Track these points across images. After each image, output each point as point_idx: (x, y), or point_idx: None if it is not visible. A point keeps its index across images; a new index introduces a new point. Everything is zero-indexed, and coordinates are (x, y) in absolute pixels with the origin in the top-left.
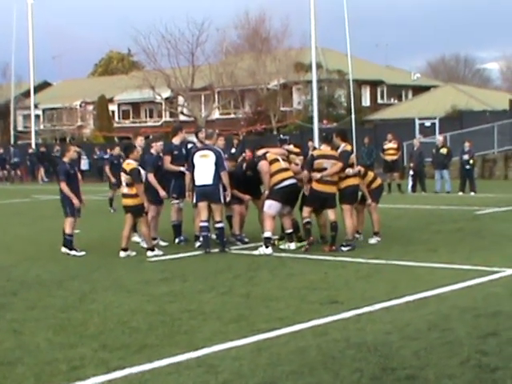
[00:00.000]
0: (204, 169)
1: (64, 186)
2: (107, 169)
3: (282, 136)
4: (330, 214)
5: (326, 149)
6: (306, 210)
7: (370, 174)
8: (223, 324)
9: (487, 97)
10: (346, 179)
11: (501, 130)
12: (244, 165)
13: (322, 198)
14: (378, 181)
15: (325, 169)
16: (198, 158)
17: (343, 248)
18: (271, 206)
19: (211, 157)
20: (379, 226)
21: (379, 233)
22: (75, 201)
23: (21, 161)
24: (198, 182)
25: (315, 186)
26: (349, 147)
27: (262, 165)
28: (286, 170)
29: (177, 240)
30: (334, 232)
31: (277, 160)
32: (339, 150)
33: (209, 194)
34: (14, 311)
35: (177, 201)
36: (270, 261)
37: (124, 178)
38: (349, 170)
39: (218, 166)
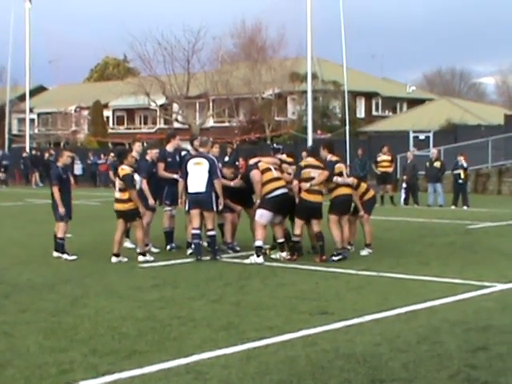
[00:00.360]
0: (197, 176)
1: (56, 191)
2: (111, 174)
3: (275, 145)
4: (314, 225)
5: (312, 159)
6: (298, 225)
7: (363, 186)
8: (213, 331)
9: (482, 111)
10: (337, 189)
11: (495, 144)
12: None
13: (310, 207)
14: (371, 192)
15: (313, 178)
16: (191, 166)
17: (334, 258)
18: (262, 216)
19: (205, 164)
20: (371, 237)
21: (371, 245)
22: (61, 209)
23: (10, 164)
24: (190, 190)
25: (304, 195)
26: (334, 158)
27: (254, 174)
28: (278, 179)
29: (168, 247)
30: (321, 242)
31: (269, 169)
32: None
33: (201, 201)
34: (6, 314)
35: (169, 208)
36: (262, 270)
37: (117, 182)
38: (337, 178)
39: (212, 173)
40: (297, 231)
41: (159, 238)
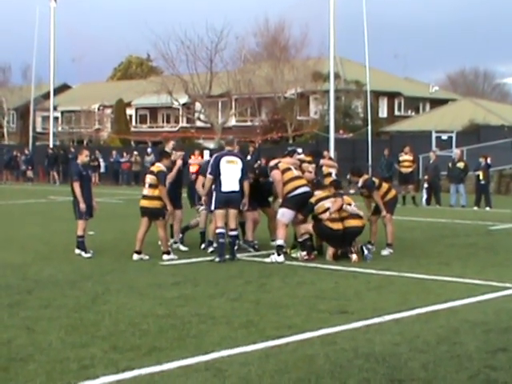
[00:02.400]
0: (232, 175)
1: (76, 186)
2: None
3: (289, 148)
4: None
5: (320, 191)
6: (304, 226)
7: (385, 186)
8: (232, 329)
9: (505, 112)
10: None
11: None
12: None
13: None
14: (393, 192)
15: (328, 208)
16: (224, 164)
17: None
18: (284, 214)
19: (239, 163)
20: (393, 237)
21: (392, 245)
22: (82, 205)
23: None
24: (225, 188)
25: (329, 224)
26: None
27: (275, 174)
28: (299, 177)
29: (203, 245)
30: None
31: (289, 169)
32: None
33: (233, 200)
34: (28, 309)
35: (203, 207)
36: (282, 268)
37: (149, 178)
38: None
39: (244, 173)
40: (302, 230)
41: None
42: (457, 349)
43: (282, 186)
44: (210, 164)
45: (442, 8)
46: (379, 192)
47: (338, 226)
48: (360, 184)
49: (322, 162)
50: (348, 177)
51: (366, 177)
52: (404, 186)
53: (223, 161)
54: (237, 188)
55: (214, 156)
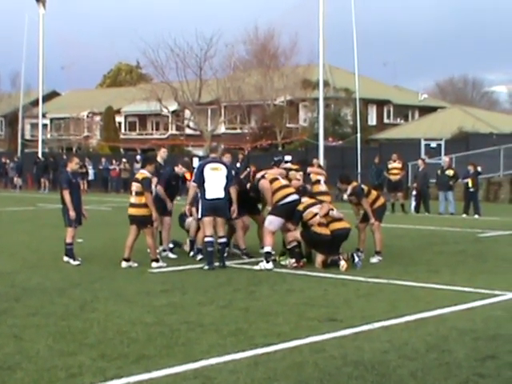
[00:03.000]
0: (216, 182)
1: (66, 194)
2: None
3: (275, 158)
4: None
5: (307, 199)
6: (292, 234)
7: (373, 193)
8: (221, 337)
9: (494, 119)
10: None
11: (507, 153)
12: (248, 184)
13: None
14: (381, 200)
15: (316, 214)
16: (208, 171)
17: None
18: (272, 222)
19: (223, 170)
20: (381, 245)
21: (381, 252)
22: (71, 213)
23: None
24: (209, 196)
25: (317, 229)
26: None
27: (263, 183)
28: (287, 186)
29: (192, 253)
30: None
31: (276, 179)
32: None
33: (219, 208)
34: (16, 317)
35: (191, 218)
36: (271, 276)
37: (135, 186)
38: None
39: (230, 179)
40: (290, 238)
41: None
42: (446, 356)
43: (272, 194)
44: (194, 172)
45: (430, 16)
46: (368, 199)
47: (326, 231)
48: (349, 191)
49: (309, 169)
50: (337, 184)
51: (354, 184)
52: (393, 194)
53: (207, 168)
54: (222, 195)
55: (198, 164)
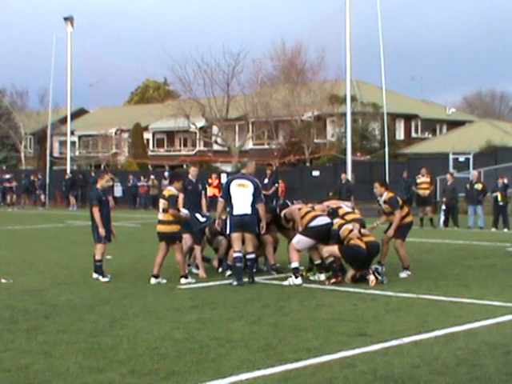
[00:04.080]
0: (242, 198)
1: (96, 211)
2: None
3: (280, 202)
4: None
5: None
6: (328, 249)
7: (405, 209)
8: (251, 353)
9: None
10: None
11: None
12: (278, 209)
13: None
14: (410, 217)
15: (352, 230)
16: (235, 187)
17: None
18: (300, 242)
19: (250, 187)
20: (407, 260)
21: (409, 267)
22: (101, 229)
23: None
24: (236, 212)
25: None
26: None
27: (289, 209)
28: (313, 210)
29: (220, 269)
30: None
31: (301, 208)
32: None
33: (247, 224)
34: (46, 334)
35: (222, 237)
36: (300, 291)
37: (162, 203)
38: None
39: (256, 196)
40: (326, 254)
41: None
42: (476, 371)
43: (300, 218)
44: (223, 188)
45: (457, 30)
46: (401, 212)
47: (363, 244)
48: (384, 198)
49: (325, 203)
50: (374, 188)
51: (391, 194)
52: (422, 208)
53: (233, 184)
54: (249, 211)
55: (226, 180)
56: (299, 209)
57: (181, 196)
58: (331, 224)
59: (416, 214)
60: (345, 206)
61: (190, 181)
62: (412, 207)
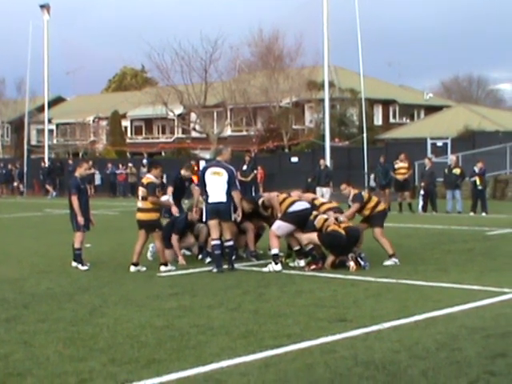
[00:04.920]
0: (217, 186)
1: (75, 199)
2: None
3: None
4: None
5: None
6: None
7: (374, 199)
8: (231, 339)
9: (500, 117)
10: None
11: None
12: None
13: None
14: (382, 205)
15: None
16: (209, 175)
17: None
18: (280, 227)
19: (224, 175)
20: (391, 247)
21: (395, 254)
22: (80, 218)
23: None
24: (211, 199)
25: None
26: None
27: (267, 195)
28: (290, 197)
29: (200, 256)
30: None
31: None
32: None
33: (221, 211)
34: (25, 323)
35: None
36: (280, 278)
37: (140, 191)
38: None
39: (231, 184)
40: (305, 241)
41: None
42: (456, 355)
43: (279, 205)
44: (199, 175)
45: (434, 15)
46: (369, 205)
47: (342, 230)
48: (350, 197)
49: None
50: (341, 189)
51: (355, 191)
52: (400, 193)
53: (208, 172)
54: (224, 199)
55: (202, 168)
56: (277, 195)
57: (170, 189)
58: (311, 209)
59: (394, 199)
60: (319, 198)
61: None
62: (391, 192)
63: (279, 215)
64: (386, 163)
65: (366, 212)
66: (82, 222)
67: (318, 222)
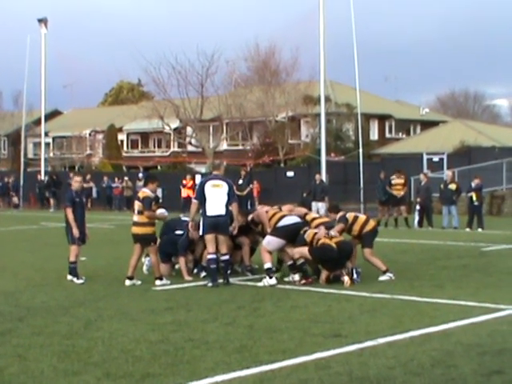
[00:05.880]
0: (217, 199)
1: (69, 212)
2: None
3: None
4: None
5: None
6: (298, 250)
7: (361, 219)
8: (226, 354)
9: (496, 133)
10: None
11: (510, 166)
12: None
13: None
14: (371, 224)
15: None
16: (209, 188)
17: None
18: (270, 243)
19: (224, 187)
20: (383, 264)
21: (388, 269)
22: (74, 230)
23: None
24: (210, 213)
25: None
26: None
27: (257, 211)
28: (280, 212)
29: (195, 270)
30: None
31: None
32: None
33: (220, 225)
34: (20, 337)
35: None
36: (274, 292)
37: (136, 205)
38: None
39: (231, 196)
40: (296, 256)
41: None
42: (451, 372)
43: (268, 220)
44: (196, 189)
45: (431, 32)
46: (355, 227)
47: (333, 243)
48: (337, 220)
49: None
50: (330, 219)
51: (341, 213)
52: (396, 208)
53: (208, 185)
54: (223, 212)
55: (200, 181)
56: (266, 211)
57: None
58: (301, 223)
59: (391, 214)
60: (312, 213)
61: None
62: (390, 207)
63: (269, 230)
64: (385, 179)
65: (354, 233)
66: (76, 235)
67: (307, 236)
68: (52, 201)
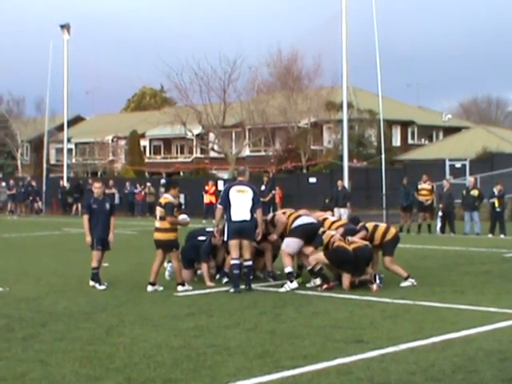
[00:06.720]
0: (242, 204)
1: (85, 219)
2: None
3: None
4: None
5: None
6: (315, 257)
7: (381, 227)
8: (248, 360)
9: None
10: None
11: None
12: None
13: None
14: (391, 232)
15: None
16: (234, 193)
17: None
18: (289, 245)
19: (249, 192)
20: (404, 271)
21: (409, 276)
22: (88, 238)
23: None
24: (235, 218)
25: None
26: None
27: (278, 216)
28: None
29: (217, 276)
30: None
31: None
32: None
33: (245, 230)
34: (42, 342)
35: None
36: (296, 298)
37: (158, 211)
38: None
39: (255, 201)
40: (313, 262)
41: None
42: (472, 377)
43: (285, 220)
44: (221, 194)
45: (453, 37)
46: (376, 236)
47: (348, 246)
48: (358, 228)
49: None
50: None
51: (361, 224)
52: (422, 214)
53: (233, 190)
54: (248, 217)
55: (225, 186)
56: (283, 212)
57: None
58: (317, 224)
59: (415, 220)
60: (330, 217)
61: None
62: (412, 213)
63: (276, 234)
64: (408, 184)
65: (376, 242)
66: (89, 242)
67: (325, 237)
68: (74, 207)
